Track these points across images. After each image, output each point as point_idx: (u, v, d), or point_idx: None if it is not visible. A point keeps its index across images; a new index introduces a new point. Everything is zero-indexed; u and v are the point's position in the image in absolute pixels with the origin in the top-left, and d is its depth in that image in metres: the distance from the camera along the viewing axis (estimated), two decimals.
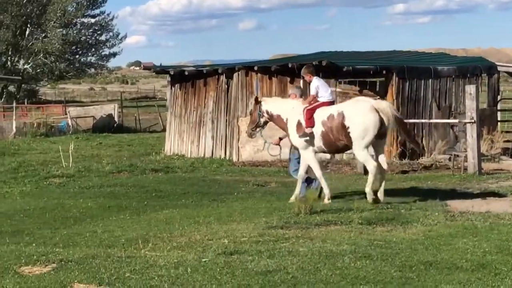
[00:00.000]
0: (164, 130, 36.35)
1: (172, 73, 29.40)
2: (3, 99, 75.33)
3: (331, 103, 14.91)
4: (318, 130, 14.46)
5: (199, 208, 14.64)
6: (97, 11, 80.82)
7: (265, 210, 13.36)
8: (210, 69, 28.51)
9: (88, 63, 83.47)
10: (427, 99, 25.53)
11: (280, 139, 15.99)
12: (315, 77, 15.04)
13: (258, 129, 15.76)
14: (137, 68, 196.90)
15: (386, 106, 14.44)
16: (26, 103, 65.75)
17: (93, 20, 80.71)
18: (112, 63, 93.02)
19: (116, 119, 45.67)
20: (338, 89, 25.28)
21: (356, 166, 21.68)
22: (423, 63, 28.52)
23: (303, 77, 15.92)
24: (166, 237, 10.63)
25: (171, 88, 29.79)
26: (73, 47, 79.48)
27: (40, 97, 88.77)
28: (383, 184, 14.46)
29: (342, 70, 24.75)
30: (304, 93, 16.47)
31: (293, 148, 15.42)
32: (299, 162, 15.29)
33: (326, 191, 14.59)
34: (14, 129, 37.94)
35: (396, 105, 24.47)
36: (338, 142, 14.50)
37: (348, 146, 14.55)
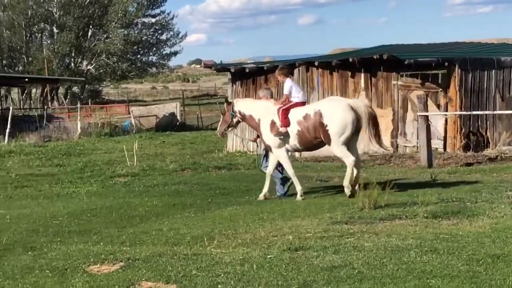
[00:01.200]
0: None
1: (233, 70, 29.53)
2: (67, 100, 76.47)
3: (304, 103, 15.49)
4: (293, 129, 15.08)
5: (263, 204, 14.67)
6: (157, 11, 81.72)
7: (328, 205, 13.34)
8: (270, 65, 28.54)
9: (150, 62, 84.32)
10: (490, 90, 25.20)
11: (258, 136, 16.39)
12: (287, 79, 15.60)
13: (230, 129, 16.67)
14: (198, 66, 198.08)
15: (362, 104, 15.09)
16: (90, 103, 66.65)
17: (153, 20, 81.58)
18: (173, 61, 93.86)
19: (178, 117, 46.01)
20: (399, 82, 25.12)
21: (420, 160, 21.50)
22: (486, 54, 28.18)
23: (277, 78, 16.52)
24: (231, 234, 10.67)
25: (232, 85, 29.90)
26: (135, 47, 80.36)
27: (103, 97, 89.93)
28: (359, 177, 14.98)
29: (404, 63, 24.58)
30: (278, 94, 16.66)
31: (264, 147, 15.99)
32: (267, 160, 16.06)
33: (298, 188, 15.30)
34: (79, 130, 38.45)
35: (459, 97, 24.25)
36: (314, 140, 15.13)
37: (322, 143, 15.17)
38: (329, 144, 14.93)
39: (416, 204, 12.36)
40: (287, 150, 15.49)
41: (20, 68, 75.84)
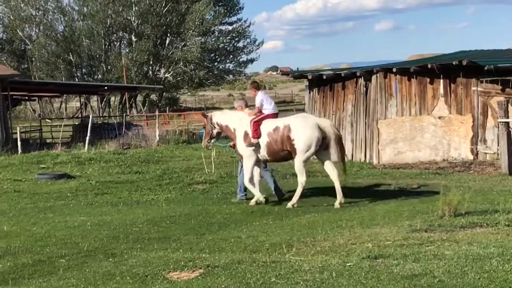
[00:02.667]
0: None
1: (310, 77, 29.47)
2: (145, 108, 77.36)
3: (275, 115, 16.79)
4: (263, 140, 16.37)
5: (341, 212, 14.62)
6: (234, 18, 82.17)
7: (408, 213, 13.23)
8: (348, 72, 28.40)
9: (227, 69, 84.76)
10: None
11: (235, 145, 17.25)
12: (259, 91, 17.00)
13: (213, 140, 17.80)
14: (274, 73, 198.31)
15: (328, 124, 16.35)
16: (167, 111, 67.28)
17: (230, 27, 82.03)
18: (249, 69, 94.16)
19: None
20: (479, 89, 24.75)
21: (501, 167, 21.15)
22: None
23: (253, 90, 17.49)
24: (309, 241, 10.66)
25: (309, 92, 29.84)
26: (212, 55, 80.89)
27: (180, 104, 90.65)
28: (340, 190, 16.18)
29: (484, 69, 24.20)
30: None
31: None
32: (265, 168, 17.31)
33: (257, 195, 16.50)
34: (157, 137, 38.81)
35: None
36: (281, 152, 16.36)
37: (290, 156, 16.41)
38: (293, 157, 16.23)
39: (498, 212, 12.17)
40: (257, 160, 16.65)
41: (99, 76, 77.03)
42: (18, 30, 78.98)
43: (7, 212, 16.80)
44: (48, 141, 46.75)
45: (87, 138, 35.52)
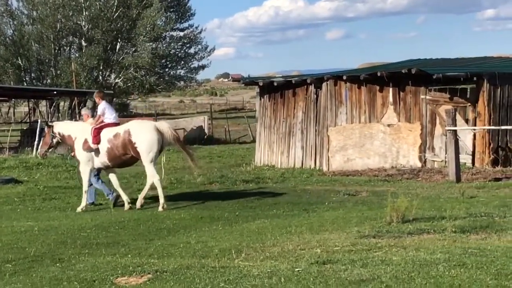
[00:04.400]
0: (253, 141, 36.56)
1: (261, 84, 29.56)
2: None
3: (116, 124, 17.55)
4: (103, 146, 17.16)
5: (291, 218, 14.67)
6: (185, 25, 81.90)
7: (356, 219, 13.31)
8: (298, 79, 28.55)
9: (178, 76, 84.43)
10: None
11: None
12: (103, 101, 17.81)
13: (50, 150, 18.69)
14: (226, 80, 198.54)
15: (166, 127, 17.46)
16: (118, 116, 66.87)
17: (182, 34, 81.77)
18: (201, 75, 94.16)
19: (206, 131, 46.13)
20: (428, 97, 25.04)
21: (448, 174, 21.39)
22: None
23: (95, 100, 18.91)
24: (258, 247, 10.67)
25: (260, 99, 29.93)
26: (163, 61, 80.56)
27: (131, 110, 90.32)
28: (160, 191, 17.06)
29: (432, 77, 24.50)
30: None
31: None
32: (95, 175, 18.12)
33: (83, 203, 17.36)
34: None
35: (488, 112, 24.12)
36: (123, 157, 17.19)
37: (132, 160, 17.42)
38: (136, 161, 17.32)
39: (444, 218, 12.31)
40: (99, 166, 17.62)
41: (49, 81, 76.24)
42: None
43: None
44: None
45: (35, 143, 35.16)
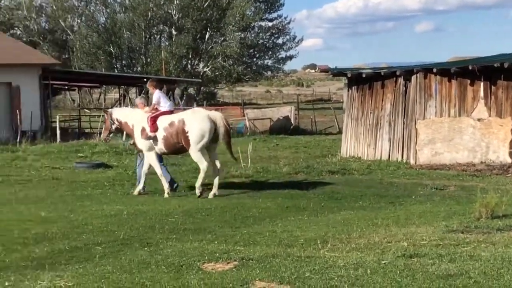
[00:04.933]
0: (339, 132, 36.44)
1: (349, 75, 29.39)
2: (183, 101, 77.59)
3: (171, 112, 18.04)
4: (160, 134, 17.60)
5: (377, 210, 14.59)
6: (274, 15, 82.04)
7: (444, 213, 13.17)
8: (388, 71, 28.28)
9: (265, 66, 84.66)
10: None
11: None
12: (156, 90, 18.28)
13: (111, 135, 19.21)
14: (313, 71, 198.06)
15: (219, 117, 17.60)
16: (205, 105, 67.41)
17: (270, 24, 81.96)
18: (288, 66, 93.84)
19: (292, 121, 46.11)
20: None
21: None
22: None
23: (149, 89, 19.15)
24: (344, 238, 10.64)
25: (348, 91, 29.77)
26: (251, 50, 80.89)
27: (218, 99, 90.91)
28: (216, 179, 17.52)
29: None
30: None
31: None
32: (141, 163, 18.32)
33: (166, 186, 17.70)
34: None
35: None
36: (177, 145, 17.58)
37: (184, 148, 17.64)
38: (188, 149, 17.47)
39: None
40: (156, 153, 17.88)
41: (139, 68, 77.32)
42: (60, 20, 79.65)
43: (45, 199, 16.97)
44: (86, 130, 47.11)
45: None
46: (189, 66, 77.68)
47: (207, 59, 77.47)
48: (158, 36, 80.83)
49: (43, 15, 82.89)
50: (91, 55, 76.18)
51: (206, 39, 77.06)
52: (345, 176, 22.00)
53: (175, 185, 18.47)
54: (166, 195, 17.51)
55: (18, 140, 34.03)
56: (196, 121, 17.32)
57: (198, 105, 53.45)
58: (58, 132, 37.10)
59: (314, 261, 8.88)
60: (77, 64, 75.62)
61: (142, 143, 17.91)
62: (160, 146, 17.71)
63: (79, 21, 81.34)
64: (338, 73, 32.18)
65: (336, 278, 7.98)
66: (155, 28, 78.77)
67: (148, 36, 77.57)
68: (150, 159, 17.92)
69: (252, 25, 79.34)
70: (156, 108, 17.94)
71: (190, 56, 76.77)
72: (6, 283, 8.36)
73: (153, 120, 17.67)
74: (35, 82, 40.15)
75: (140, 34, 76.32)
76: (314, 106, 59.24)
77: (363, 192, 18.05)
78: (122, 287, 7.95)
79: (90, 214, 14.38)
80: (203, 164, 17.39)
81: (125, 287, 7.95)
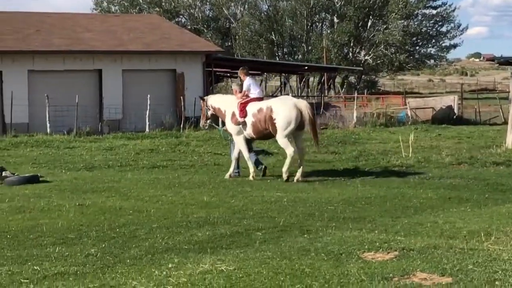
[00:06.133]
0: (505, 123, 35.36)
1: None
2: (343, 89, 77.53)
3: (260, 99, 18.78)
4: (249, 120, 18.36)
5: None
6: (438, 2, 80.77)
7: None
8: None
9: (428, 54, 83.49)
10: None
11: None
12: (247, 77, 18.90)
13: (208, 121, 20.07)
14: (477, 60, 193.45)
15: (304, 105, 18.12)
16: (365, 93, 67.11)
17: (434, 11, 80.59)
18: (451, 54, 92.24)
19: (455, 110, 45.17)
20: None
21: None
22: None
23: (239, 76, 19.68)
24: (509, 231, 10.32)
25: None
26: (414, 39, 79.89)
27: (379, 87, 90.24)
28: (301, 167, 18.11)
29: None
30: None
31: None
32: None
33: (251, 170, 18.48)
34: (355, 119, 38.82)
35: None
36: (264, 131, 18.30)
37: (271, 134, 18.35)
38: (274, 136, 18.23)
39: None
40: (245, 137, 18.64)
41: (300, 56, 77.79)
42: (224, 8, 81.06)
43: (207, 184, 17.31)
44: None
45: None
46: (350, 54, 77.50)
47: (369, 47, 77.07)
48: (320, 24, 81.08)
49: (207, 3, 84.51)
50: (253, 42, 77.24)
51: (368, 27, 76.65)
52: (510, 168, 21.32)
53: (260, 166, 18.99)
54: (251, 177, 18.27)
55: (181, 126, 34.91)
56: (283, 109, 17.95)
57: (358, 94, 53.20)
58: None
59: (477, 253, 8.70)
60: (239, 51, 76.84)
61: (232, 127, 18.84)
62: (249, 131, 18.50)
63: (242, 9, 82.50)
64: (504, 62, 31.32)
65: (500, 272, 7.78)
66: (317, 16, 79.02)
67: (309, 24, 77.90)
68: (238, 143, 18.75)
69: (415, 12, 78.35)
70: (247, 95, 18.66)
71: (351, 44, 76.54)
72: (170, 265, 8.58)
73: (243, 106, 18.47)
74: (199, 69, 41.02)
75: (302, 22, 76.75)
76: (478, 96, 57.84)
77: None
78: (282, 273, 8.01)
79: (250, 200, 14.57)
80: (290, 150, 17.92)
81: (285, 273, 8.00)
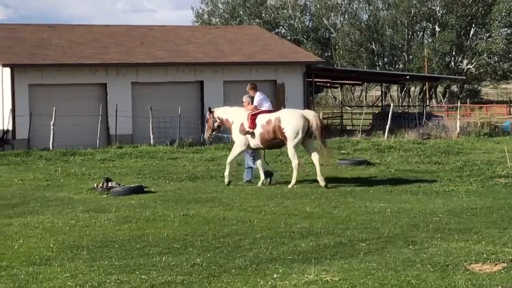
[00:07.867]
0: None
1: None
2: (445, 98, 76.49)
3: (270, 111, 19.73)
4: (257, 131, 19.26)
5: None
6: None
7: None
8: None
9: None
10: None
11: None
12: (257, 92, 20.01)
13: (214, 133, 20.94)
14: None
15: (312, 115, 19.41)
16: (468, 102, 66.03)
17: None
18: None
19: None
20: None
21: None
22: None
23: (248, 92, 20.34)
24: None
25: None
26: None
27: (481, 97, 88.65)
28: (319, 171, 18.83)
29: None
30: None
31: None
32: (252, 157, 19.95)
33: (227, 172, 19.58)
34: (458, 129, 38.23)
35: None
36: (273, 140, 19.29)
37: (279, 143, 19.55)
38: (283, 145, 19.56)
39: None
40: (251, 148, 19.54)
41: (400, 66, 77.04)
42: (323, 19, 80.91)
43: (309, 195, 17.33)
44: (348, 128, 47.66)
45: (387, 126, 35.78)
46: (452, 63, 76.39)
47: (471, 55, 75.81)
48: (421, 33, 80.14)
49: (307, 13, 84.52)
50: (353, 52, 76.87)
51: (470, 36, 75.43)
52: None
53: (269, 179, 19.72)
54: (226, 180, 19.53)
55: None
56: (291, 119, 19.02)
57: (461, 103, 52.37)
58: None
59: None
60: (339, 61, 76.61)
61: (237, 137, 19.70)
62: (256, 142, 19.37)
63: (342, 19, 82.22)
64: None
65: None
66: (418, 25, 78.12)
67: (410, 33, 77.10)
68: (235, 148, 19.79)
69: None
70: (257, 108, 19.64)
71: (453, 53, 75.45)
72: (275, 275, 8.63)
73: (253, 118, 19.36)
74: (299, 80, 41.09)
75: (402, 31, 76.02)
76: None
77: None
78: (388, 284, 7.97)
79: (353, 210, 14.54)
80: (295, 161, 18.87)
81: (391, 284, 7.96)
